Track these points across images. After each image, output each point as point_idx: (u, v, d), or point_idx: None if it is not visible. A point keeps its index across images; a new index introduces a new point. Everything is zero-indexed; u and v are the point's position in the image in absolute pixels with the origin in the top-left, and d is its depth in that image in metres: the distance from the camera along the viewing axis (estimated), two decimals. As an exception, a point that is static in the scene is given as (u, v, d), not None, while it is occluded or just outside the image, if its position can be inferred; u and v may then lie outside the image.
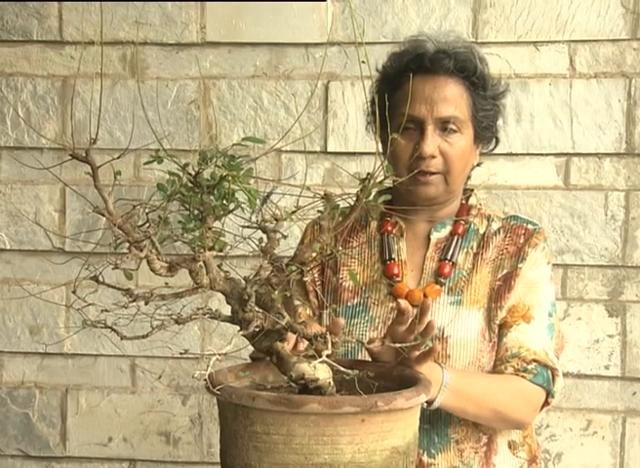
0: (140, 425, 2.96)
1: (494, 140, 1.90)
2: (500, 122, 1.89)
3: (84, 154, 1.12)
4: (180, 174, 1.19)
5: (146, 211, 1.14)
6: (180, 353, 1.35)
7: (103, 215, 1.12)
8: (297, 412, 1.19)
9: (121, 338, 1.23)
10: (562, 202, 2.75)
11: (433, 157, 1.73)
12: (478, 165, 1.91)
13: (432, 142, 1.72)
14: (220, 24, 2.84)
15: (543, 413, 2.75)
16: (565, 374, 2.74)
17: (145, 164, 1.17)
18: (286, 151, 2.81)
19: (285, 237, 1.30)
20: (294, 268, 1.22)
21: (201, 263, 1.16)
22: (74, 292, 1.13)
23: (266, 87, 2.84)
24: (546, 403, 1.78)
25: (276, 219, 1.26)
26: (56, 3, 2.87)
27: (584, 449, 2.80)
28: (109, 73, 2.88)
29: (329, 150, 2.80)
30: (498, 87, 1.85)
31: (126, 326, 1.20)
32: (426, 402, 1.55)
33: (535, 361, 1.74)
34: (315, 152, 2.83)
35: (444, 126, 1.75)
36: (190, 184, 1.17)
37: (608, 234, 2.74)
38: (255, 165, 1.21)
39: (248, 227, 1.24)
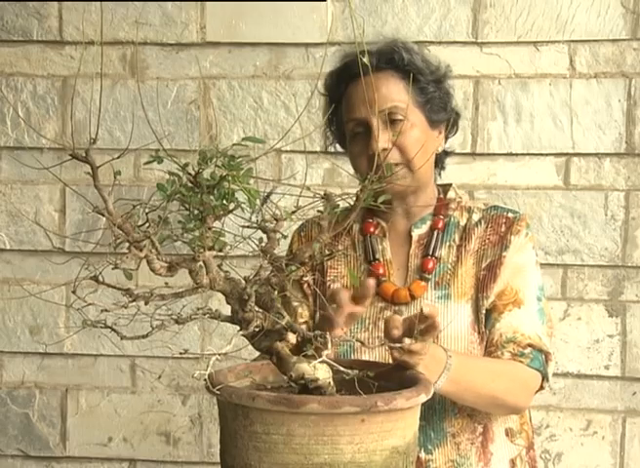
0: (140, 425, 2.96)
1: (453, 123, 1.89)
2: (455, 104, 1.90)
3: (84, 154, 1.12)
4: (180, 174, 1.19)
5: (146, 211, 1.14)
6: (180, 353, 1.35)
7: (103, 215, 1.11)
8: (296, 412, 1.18)
9: (121, 338, 1.23)
10: (562, 202, 2.75)
11: (385, 150, 1.73)
12: (448, 153, 1.93)
13: (380, 137, 1.73)
14: (220, 24, 2.84)
15: (543, 413, 2.77)
16: (565, 374, 2.77)
17: (145, 164, 1.17)
18: (286, 151, 2.81)
19: (285, 237, 1.30)
20: (293, 268, 1.21)
21: (201, 263, 1.16)
22: (74, 292, 1.13)
23: (266, 87, 2.84)
24: (541, 387, 1.79)
25: (276, 219, 1.26)
26: (56, 3, 2.87)
27: (584, 449, 2.79)
28: (109, 73, 2.88)
29: (329, 150, 2.80)
30: (439, 71, 1.86)
31: (126, 326, 1.20)
32: None
33: (530, 345, 1.76)
34: (315, 152, 2.83)
35: (389, 118, 1.76)
36: (190, 184, 1.17)
37: (608, 234, 2.74)
38: (255, 165, 1.21)
39: (248, 227, 1.24)
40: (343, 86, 1.82)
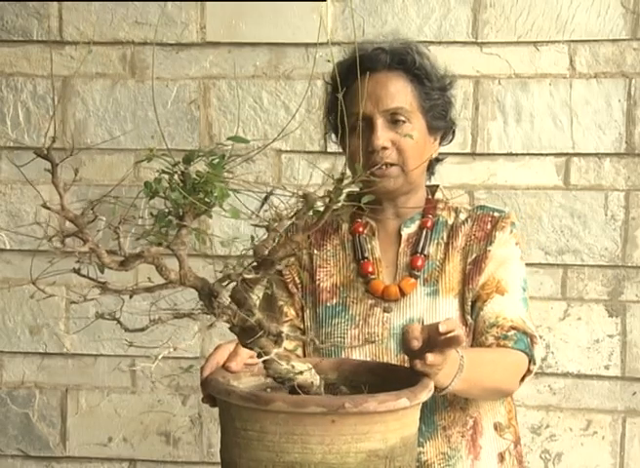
0: (140, 425, 2.96)
1: (451, 132, 1.94)
2: (454, 114, 1.93)
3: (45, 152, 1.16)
4: (172, 172, 1.20)
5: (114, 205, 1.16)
6: (130, 345, 1.37)
7: (49, 209, 1.14)
8: (266, 410, 1.19)
9: (125, 330, 1.25)
10: (562, 202, 2.75)
11: (385, 148, 1.77)
12: (439, 160, 1.96)
13: (382, 135, 1.78)
14: (220, 24, 2.84)
15: (543, 413, 2.77)
16: (565, 374, 2.77)
17: (137, 163, 1.18)
18: (286, 151, 2.82)
19: (281, 236, 1.30)
20: (253, 265, 1.21)
21: (155, 257, 1.16)
22: (34, 283, 1.16)
23: (266, 87, 2.84)
24: (528, 371, 1.78)
25: (280, 219, 1.26)
26: (56, 3, 2.87)
27: (584, 449, 2.79)
28: (109, 73, 2.89)
29: (329, 150, 2.80)
30: (445, 79, 1.90)
31: (118, 317, 1.22)
32: (438, 388, 1.52)
33: (513, 328, 1.77)
34: (315, 152, 2.83)
35: (393, 118, 1.80)
36: (181, 182, 1.18)
37: (608, 234, 2.74)
38: (254, 164, 1.21)
39: (257, 226, 1.25)
40: (352, 78, 1.80)
